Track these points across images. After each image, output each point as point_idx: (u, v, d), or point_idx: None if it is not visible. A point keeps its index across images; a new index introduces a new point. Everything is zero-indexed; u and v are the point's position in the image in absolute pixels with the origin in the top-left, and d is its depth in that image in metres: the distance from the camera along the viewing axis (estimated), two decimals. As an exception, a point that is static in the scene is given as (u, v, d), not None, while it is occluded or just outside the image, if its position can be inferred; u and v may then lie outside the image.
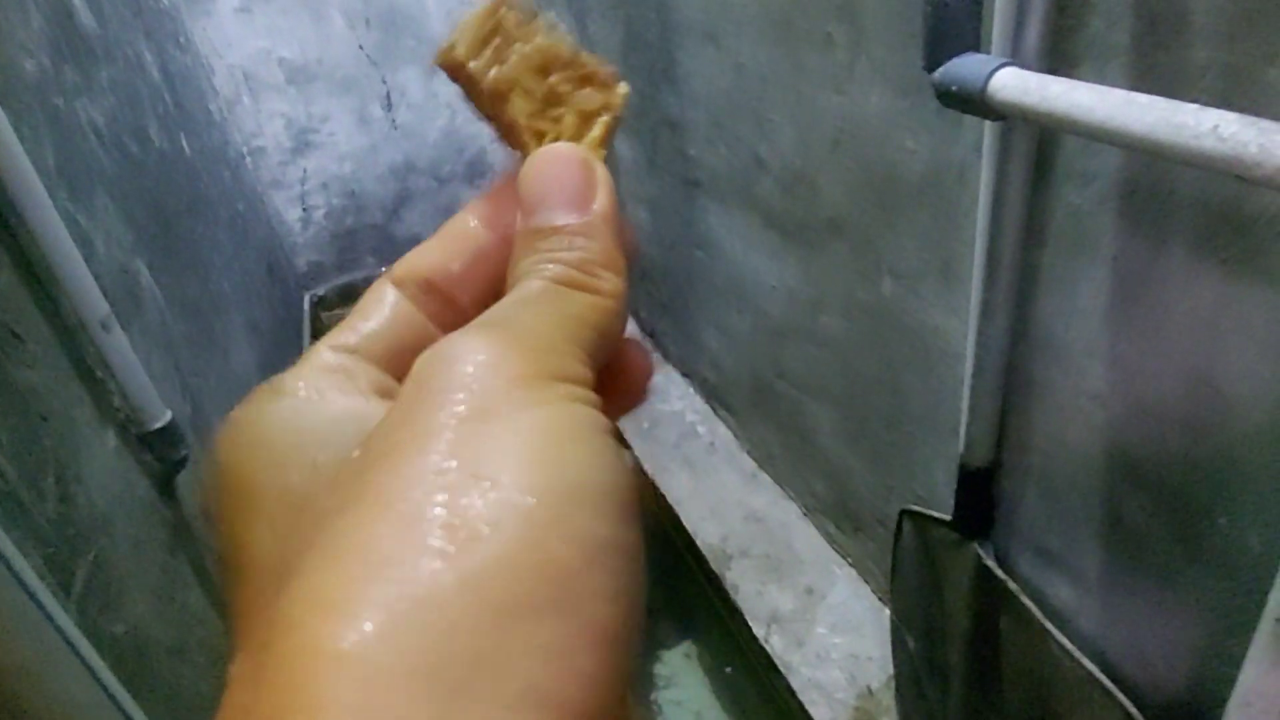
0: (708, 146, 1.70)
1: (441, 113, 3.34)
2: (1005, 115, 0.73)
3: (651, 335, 2.61)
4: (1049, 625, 1.01)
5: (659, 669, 1.92)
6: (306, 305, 3.40)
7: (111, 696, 0.62)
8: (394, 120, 3.30)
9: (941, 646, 1.24)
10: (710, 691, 1.84)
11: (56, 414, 1.00)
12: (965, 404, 1.04)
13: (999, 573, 1.05)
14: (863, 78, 1.14)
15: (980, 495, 1.06)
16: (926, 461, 1.33)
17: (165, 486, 1.25)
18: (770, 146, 1.45)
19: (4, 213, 1.01)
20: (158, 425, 1.20)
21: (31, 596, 0.57)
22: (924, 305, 1.19)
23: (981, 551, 1.07)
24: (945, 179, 1.05)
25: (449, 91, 3.31)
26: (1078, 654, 0.98)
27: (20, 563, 0.56)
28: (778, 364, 1.73)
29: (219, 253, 2.17)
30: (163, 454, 1.21)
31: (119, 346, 1.13)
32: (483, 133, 3.43)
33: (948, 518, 1.12)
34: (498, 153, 3.48)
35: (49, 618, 0.58)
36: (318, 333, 3.31)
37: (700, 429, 2.21)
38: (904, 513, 1.26)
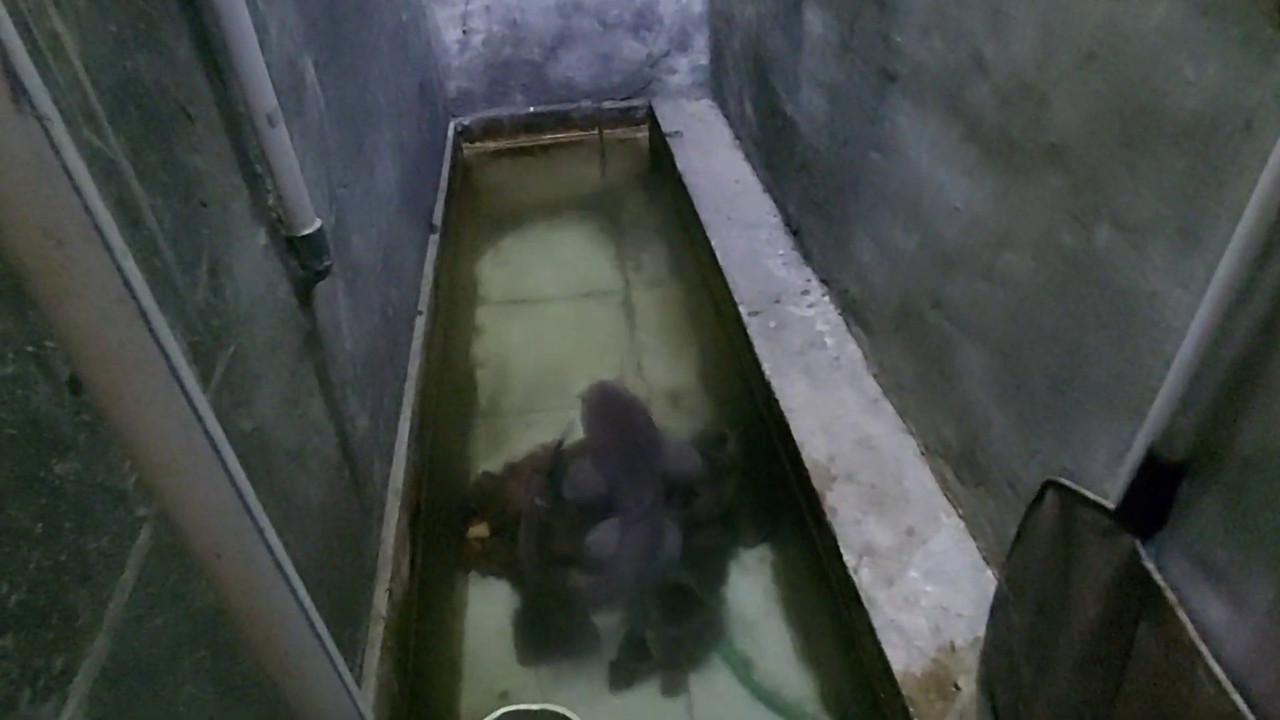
0: (919, 36, 1.51)
1: (619, -48, 3.13)
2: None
3: (795, 233, 2.47)
4: (1201, 645, 0.91)
5: (731, 565, 1.91)
6: (451, 133, 3.37)
7: (239, 492, 0.61)
8: (570, -49, 3.12)
9: (1054, 630, 1.15)
10: (774, 600, 1.82)
11: (215, 203, 0.99)
12: (1173, 390, 0.90)
13: (1157, 578, 0.94)
14: (1151, -16, 0.95)
15: (1162, 492, 0.95)
16: (1088, 436, 1.20)
17: (304, 294, 1.25)
18: (999, 47, 1.27)
19: (190, -18, 0.97)
20: (306, 231, 1.18)
21: (179, 382, 0.54)
22: (1145, 266, 1.04)
23: (1141, 550, 0.97)
24: (1225, 125, 0.88)
25: (632, -71, 3.08)
26: (1226, 683, 0.88)
27: (172, 346, 0.53)
28: (936, 293, 1.59)
29: (378, 61, 2.12)
30: (307, 261, 1.21)
31: (281, 144, 1.10)
32: (657, -19, 3.22)
33: (1109, 505, 1.01)
34: (668, 5, 3.28)
35: (193, 407, 0.56)
36: (458, 163, 3.28)
37: (829, 341, 2.10)
38: (1051, 484, 1.15)
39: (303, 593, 0.66)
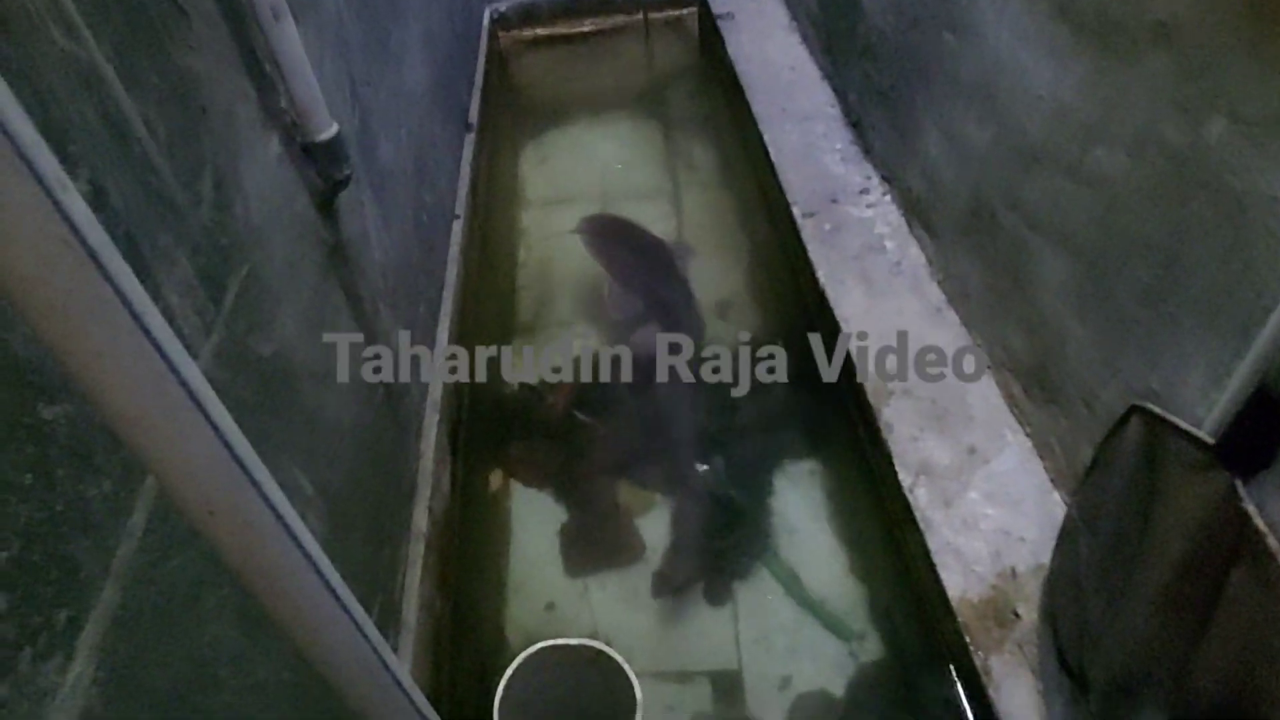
0: (1005, -105, 1.32)
1: None
2: None
3: (855, 125, 2.29)
4: (1301, 595, 0.82)
5: (778, 478, 1.85)
6: (486, 21, 3.18)
7: (228, 445, 0.55)
8: None
9: (1130, 565, 1.07)
10: (824, 516, 1.76)
11: (218, 109, 0.90)
12: (1293, 312, 0.79)
13: (1258, 521, 0.85)
14: None
15: (1272, 427, 0.84)
16: (1182, 355, 1.09)
17: (325, 206, 1.17)
18: (1103, -94, 1.09)
19: None
20: (324, 137, 1.10)
21: (145, 331, 0.48)
22: (1264, 165, 0.90)
23: (1241, 490, 0.87)
24: (1393, -8, 0.72)
25: None
26: (1328, 637, 0.80)
27: (135, 289, 0.46)
28: (1013, 192, 1.44)
29: (404, -56, 1.96)
30: (326, 170, 1.12)
31: (290, 40, 1.01)
32: None
33: (1207, 438, 0.90)
34: None
35: (165, 358, 0.50)
36: (494, 54, 3.12)
37: (889, 244, 1.97)
38: (1137, 409, 1.05)
39: (309, 542, 0.61)
